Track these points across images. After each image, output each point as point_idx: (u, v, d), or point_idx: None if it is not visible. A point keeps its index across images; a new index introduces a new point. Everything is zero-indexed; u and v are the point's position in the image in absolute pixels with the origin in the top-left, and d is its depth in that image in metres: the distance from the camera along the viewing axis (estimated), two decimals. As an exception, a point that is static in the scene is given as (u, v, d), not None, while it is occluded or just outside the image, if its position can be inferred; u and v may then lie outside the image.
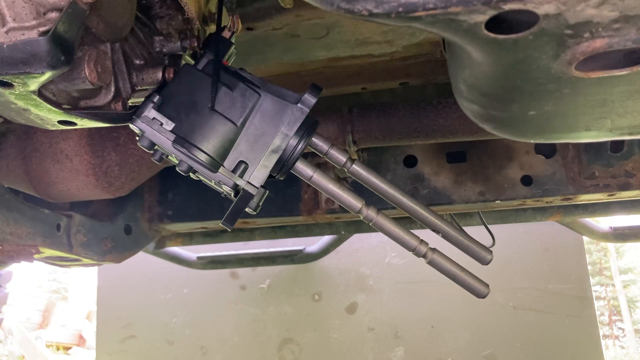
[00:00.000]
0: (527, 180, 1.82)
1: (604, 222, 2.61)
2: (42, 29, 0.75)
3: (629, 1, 0.57)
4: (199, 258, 2.87)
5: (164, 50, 1.02)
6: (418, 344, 3.34)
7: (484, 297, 1.07)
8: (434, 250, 1.07)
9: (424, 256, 1.07)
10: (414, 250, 1.06)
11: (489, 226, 1.87)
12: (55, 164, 1.54)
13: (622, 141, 1.77)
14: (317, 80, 1.12)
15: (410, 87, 1.76)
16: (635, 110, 0.84)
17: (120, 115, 0.96)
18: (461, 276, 1.07)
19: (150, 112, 0.95)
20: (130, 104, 0.97)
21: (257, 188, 1.00)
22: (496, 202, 1.83)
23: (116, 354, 3.63)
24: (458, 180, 1.86)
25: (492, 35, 0.63)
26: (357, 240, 3.45)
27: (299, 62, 1.53)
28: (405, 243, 1.07)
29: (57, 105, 0.86)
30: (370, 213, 1.06)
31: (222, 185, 0.99)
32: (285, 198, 1.99)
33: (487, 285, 1.08)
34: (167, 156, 0.98)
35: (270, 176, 1.02)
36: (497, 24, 0.61)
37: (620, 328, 26.41)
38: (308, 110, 1.01)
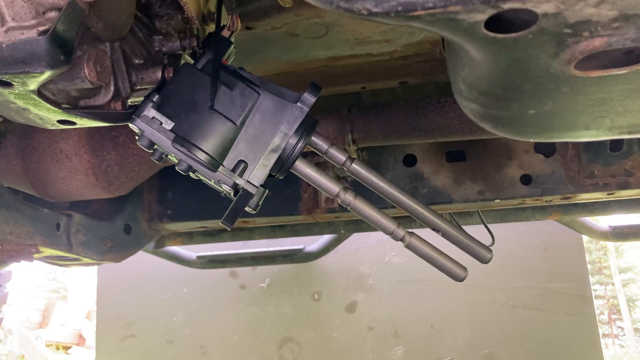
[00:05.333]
0: (526, 179, 1.82)
1: (604, 221, 2.61)
2: (41, 28, 0.75)
3: (628, 0, 0.57)
4: (198, 257, 2.87)
5: (164, 49, 1.02)
6: (418, 343, 3.34)
7: (461, 280, 1.07)
8: (411, 233, 1.07)
9: (402, 240, 1.07)
10: (391, 234, 1.07)
11: (489, 225, 1.87)
12: (54, 164, 1.54)
13: (621, 140, 1.77)
14: (316, 80, 1.12)
15: (410, 86, 1.76)
16: (635, 109, 0.84)
17: (119, 115, 0.96)
18: (439, 260, 1.07)
19: (150, 112, 0.95)
20: (129, 104, 0.97)
21: (257, 187, 1.00)
22: (496, 201, 1.83)
23: (116, 354, 3.63)
24: (457, 179, 1.86)
25: (491, 34, 0.63)
26: (357, 240, 3.45)
27: (299, 61, 1.53)
28: (383, 227, 1.07)
29: (56, 104, 0.86)
30: (348, 197, 1.07)
31: (222, 185, 1.00)
32: (285, 197, 1.99)
33: (465, 269, 1.08)
34: (166, 155, 0.98)
35: (269, 175, 1.02)
36: (496, 23, 0.61)
37: (619, 327, 26.43)
38: (307, 110, 1.01)
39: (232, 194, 1.01)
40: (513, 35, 0.63)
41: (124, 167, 1.58)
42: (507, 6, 0.57)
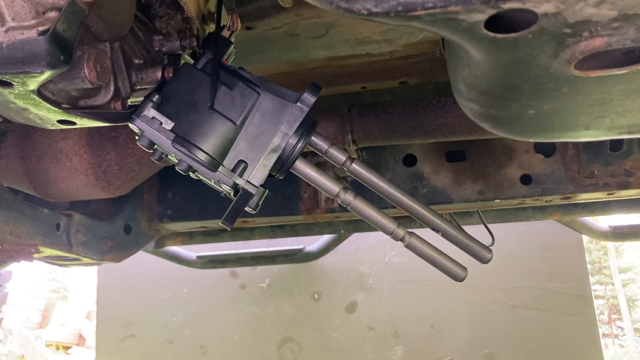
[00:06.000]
0: (526, 179, 1.82)
1: (604, 221, 2.61)
2: (41, 28, 0.75)
3: (628, 0, 0.57)
4: (198, 257, 2.87)
5: (164, 49, 1.02)
6: (418, 343, 3.34)
7: (461, 280, 1.07)
8: (411, 233, 1.07)
9: (402, 240, 1.07)
10: (391, 234, 1.07)
11: (489, 225, 1.87)
12: (54, 164, 1.54)
13: (621, 140, 1.77)
14: (316, 80, 1.12)
15: (410, 86, 1.76)
16: (634, 109, 0.84)
17: (119, 115, 0.96)
18: (439, 259, 1.07)
19: (150, 112, 0.95)
20: (129, 103, 0.97)
21: (257, 187, 1.00)
22: (495, 201, 1.83)
23: (116, 353, 3.63)
24: (457, 179, 1.86)
25: (491, 34, 0.63)
26: (357, 240, 3.45)
27: (299, 61, 1.53)
28: (383, 227, 1.07)
29: (56, 104, 0.86)
30: (348, 197, 1.07)
31: (222, 185, 1.00)
32: (285, 197, 1.99)
33: (465, 269, 1.08)
34: (166, 155, 0.98)
35: (269, 175, 1.02)
36: (496, 23, 0.61)
37: (619, 327, 26.43)
38: (307, 109, 1.01)
39: (232, 194, 1.01)
40: (513, 35, 0.63)
41: (124, 167, 1.58)
42: (507, 6, 0.57)
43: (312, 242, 2.92)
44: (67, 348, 13.15)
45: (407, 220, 2.06)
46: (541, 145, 1.82)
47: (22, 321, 12.04)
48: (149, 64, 1.00)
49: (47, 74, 0.76)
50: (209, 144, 0.96)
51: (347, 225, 2.34)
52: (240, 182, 0.99)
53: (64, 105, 0.88)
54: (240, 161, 0.99)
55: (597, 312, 3.37)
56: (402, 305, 3.40)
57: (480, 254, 1.11)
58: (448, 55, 0.94)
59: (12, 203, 1.41)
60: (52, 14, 0.75)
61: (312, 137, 1.06)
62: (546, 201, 1.86)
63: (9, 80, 0.77)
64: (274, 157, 1.00)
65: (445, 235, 1.11)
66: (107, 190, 1.61)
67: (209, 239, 2.47)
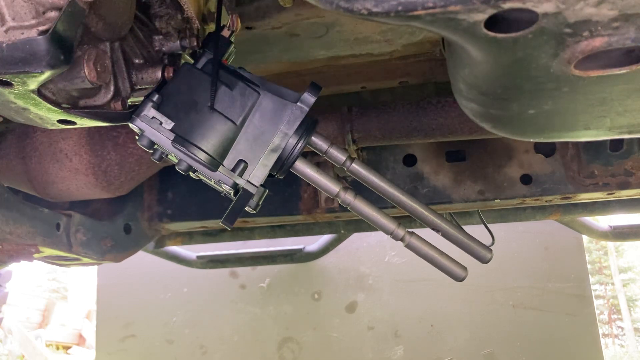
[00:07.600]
0: (526, 179, 1.82)
1: (604, 221, 2.61)
2: (41, 28, 0.75)
3: (628, 0, 0.57)
4: (198, 257, 2.87)
5: (164, 49, 1.02)
6: (418, 343, 3.34)
7: (461, 280, 1.08)
8: (411, 233, 1.07)
9: (402, 240, 1.07)
10: (391, 234, 1.07)
11: (489, 225, 1.87)
12: (54, 164, 1.54)
13: (622, 140, 1.77)
14: (316, 79, 1.12)
15: (410, 86, 1.76)
16: (635, 108, 0.84)
17: (119, 115, 0.96)
18: (439, 259, 1.07)
19: (150, 111, 0.95)
20: (129, 103, 0.97)
21: (257, 187, 1.00)
22: (496, 201, 1.83)
23: (116, 353, 3.63)
24: (457, 179, 1.86)
25: (491, 34, 0.63)
26: (357, 239, 3.45)
27: (299, 61, 1.53)
28: (383, 226, 1.07)
29: (56, 104, 0.86)
30: (348, 197, 1.07)
31: (222, 184, 1.00)
32: (285, 197, 1.99)
33: (465, 269, 1.08)
34: (166, 155, 0.98)
35: (269, 175, 1.02)
36: (496, 22, 0.61)
37: (619, 327, 26.43)
38: (307, 109, 1.01)
39: (232, 193, 1.01)
40: (513, 35, 0.63)
41: (124, 167, 1.58)
42: (507, 6, 0.57)
43: (312, 242, 2.92)
44: (67, 348, 13.14)
45: (407, 220, 2.06)
46: (541, 145, 1.82)
47: (22, 321, 12.04)
48: (149, 64, 1.00)
49: (47, 74, 0.76)
50: (209, 143, 0.96)
51: (347, 225, 2.34)
52: (240, 182, 0.99)
53: (64, 105, 0.88)
54: (240, 161, 0.99)
55: (597, 312, 3.37)
56: (402, 305, 3.40)
57: (480, 253, 1.11)
58: (448, 55, 0.94)
59: (12, 203, 1.42)
60: (52, 14, 0.75)
61: (312, 137, 1.06)
62: (546, 201, 1.86)
63: (9, 80, 0.77)
64: (274, 157, 1.00)
65: (445, 235, 1.11)
66: (107, 190, 1.62)
67: (209, 239, 2.47)
